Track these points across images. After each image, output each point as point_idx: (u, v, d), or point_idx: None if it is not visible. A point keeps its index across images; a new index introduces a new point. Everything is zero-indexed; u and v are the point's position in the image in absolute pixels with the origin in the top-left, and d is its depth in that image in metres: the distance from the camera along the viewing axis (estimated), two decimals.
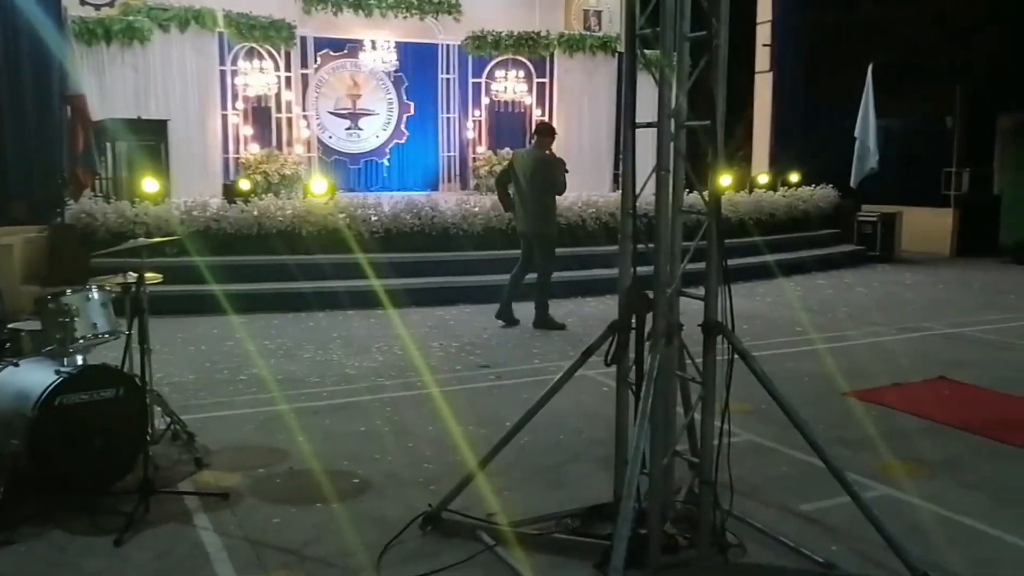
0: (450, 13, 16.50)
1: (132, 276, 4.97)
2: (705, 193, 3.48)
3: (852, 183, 13.85)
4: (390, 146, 17.10)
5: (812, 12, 15.63)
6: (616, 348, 3.58)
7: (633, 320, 3.53)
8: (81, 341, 4.47)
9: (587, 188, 15.14)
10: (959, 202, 15.00)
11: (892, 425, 5.63)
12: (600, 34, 17.22)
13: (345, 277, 9.98)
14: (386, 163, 17.14)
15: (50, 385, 4.10)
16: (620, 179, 4.26)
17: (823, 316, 9.43)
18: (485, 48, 16.76)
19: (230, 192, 11.19)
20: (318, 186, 11.58)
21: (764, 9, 14.80)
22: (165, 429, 4.98)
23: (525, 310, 8.68)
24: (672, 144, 3.36)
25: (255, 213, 10.17)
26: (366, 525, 4.02)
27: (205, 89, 14.55)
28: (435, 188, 16.98)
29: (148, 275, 4.88)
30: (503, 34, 16.69)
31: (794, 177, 14.41)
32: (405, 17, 16.27)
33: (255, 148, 15.10)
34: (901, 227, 14.29)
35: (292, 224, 10.20)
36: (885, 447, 5.20)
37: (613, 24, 17.46)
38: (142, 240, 4.92)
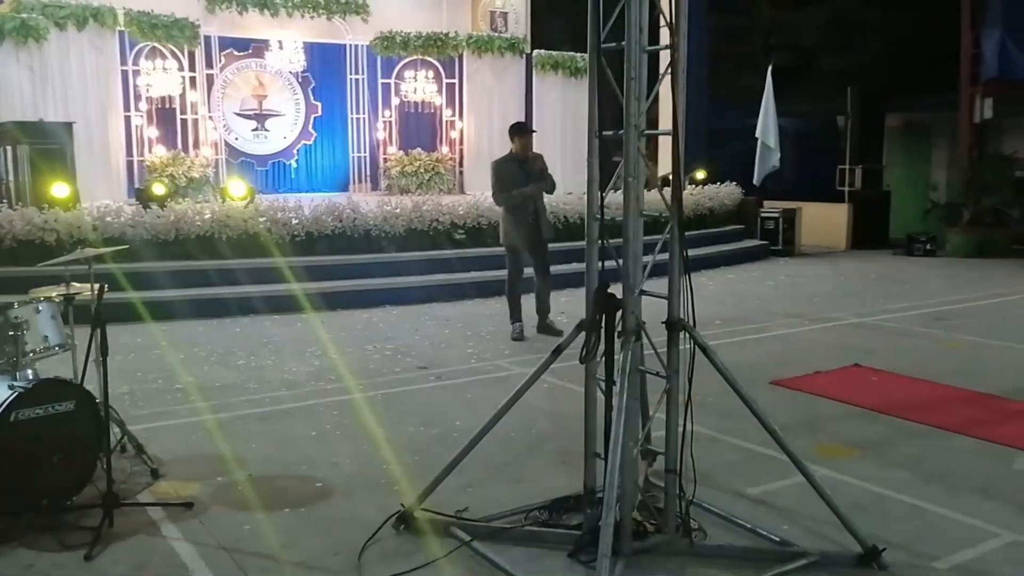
0: (358, 13, 16.43)
1: (76, 286, 4.92)
2: (666, 193, 3.69)
3: (755, 181, 14.43)
4: (298, 147, 16.93)
5: (712, 15, 16.23)
6: (586, 346, 3.74)
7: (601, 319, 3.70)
8: (31, 355, 4.38)
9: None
10: (852, 197, 15.82)
11: (818, 411, 5.98)
12: (508, 35, 17.43)
13: (268, 281, 9.89)
14: (294, 165, 16.97)
15: (4, 401, 4.01)
16: None
17: (738, 309, 9.84)
18: (394, 49, 16.74)
19: (144, 196, 10.90)
20: (236, 189, 11.38)
21: (666, 11, 15.19)
22: (118, 441, 4.90)
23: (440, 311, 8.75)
24: (636, 151, 3.54)
25: (172, 218, 9.96)
26: (338, 528, 4.07)
27: (106, 90, 14.11)
28: (345, 189, 16.91)
29: (80, 286, 4.86)
30: (412, 35, 16.70)
31: (700, 175, 14.91)
32: (312, 17, 16.13)
33: (160, 150, 14.71)
34: (801, 222, 14.97)
35: (211, 229, 10.03)
36: (815, 432, 5.54)
37: (519, 25, 17.72)
38: (89, 250, 4.84)
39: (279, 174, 16.81)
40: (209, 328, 8.74)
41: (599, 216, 3.73)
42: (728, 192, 14.81)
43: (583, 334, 3.80)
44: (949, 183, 17.32)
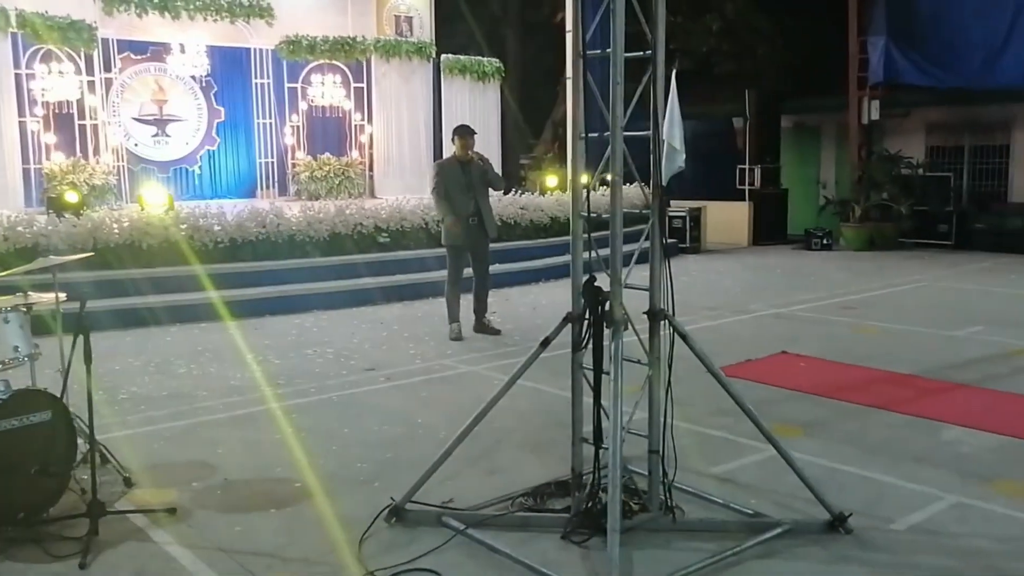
0: (262, 17, 16.16)
1: (33, 295, 4.84)
2: (647, 190, 3.92)
3: (662, 181, 14.89)
4: (201, 153, 16.56)
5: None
6: (574, 336, 3.93)
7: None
8: (1, 365, 4.29)
9: (409, 190, 15.45)
10: (752, 196, 16.55)
11: (757, 395, 6.32)
12: (415, 40, 17.49)
13: (193, 289, 9.72)
14: (197, 171, 16.59)
15: None
16: None
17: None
18: (300, 53, 16.56)
19: (57, 205, 10.54)
20: (153, 196, 11.11)
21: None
22: (88, 451, 4.81)
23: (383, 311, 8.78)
24: (621, 153, 3.76)
25: (89, 227, 9.67)
26: (329, 524, 4.15)
27: None
28: (252, 195, 16.64)
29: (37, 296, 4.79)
30: (318, 39, 16.55)
31: (609, 176, 15.31)
32: (215, 20, 15.77)
33: (59, 157, 14.17)
34: (706, 220, 15.58)
35: (131, 237, 9.78)
36: (759, 414, 5.86)
37: (424, 30, 17.80)
38: (52, 258, 4.74)
39: (182, 180, 16.40)
40: (137, 338, 8.55)
41: (584, 213, 3.92)
42: (636, 193, 15.15)
43: (569, 326, 3.99)
44: (838, 180, 18.28)
